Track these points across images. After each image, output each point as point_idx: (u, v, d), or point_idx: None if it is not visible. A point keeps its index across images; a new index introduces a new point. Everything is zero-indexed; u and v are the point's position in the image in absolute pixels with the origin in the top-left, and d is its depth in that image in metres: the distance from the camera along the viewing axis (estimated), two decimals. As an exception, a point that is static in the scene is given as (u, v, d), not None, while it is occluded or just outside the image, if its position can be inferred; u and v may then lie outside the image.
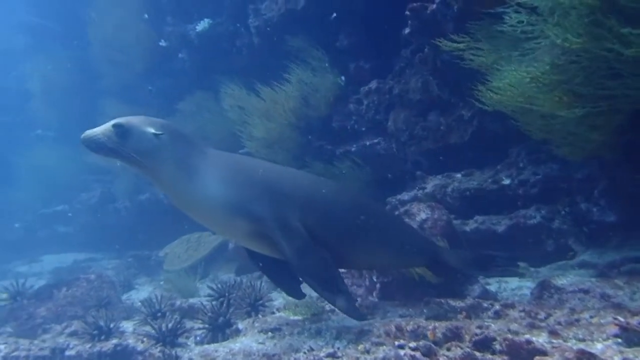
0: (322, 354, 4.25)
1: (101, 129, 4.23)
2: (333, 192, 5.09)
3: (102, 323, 5.89)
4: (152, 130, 4.27)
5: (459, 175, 6.98)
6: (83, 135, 4.21)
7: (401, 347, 3.63)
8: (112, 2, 11.58)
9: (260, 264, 5.05)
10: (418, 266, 5.41)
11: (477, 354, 3.34)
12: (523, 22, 4.32)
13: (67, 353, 5.68)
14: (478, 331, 3.52)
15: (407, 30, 6.92)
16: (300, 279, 4.84)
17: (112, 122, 4.26)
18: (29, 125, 15.83)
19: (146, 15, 11.16)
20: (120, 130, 4.19)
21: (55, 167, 14.38)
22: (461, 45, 5.30)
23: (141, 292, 9.02)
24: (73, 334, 6.30)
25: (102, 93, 12.50)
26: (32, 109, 14.80)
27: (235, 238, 4.77)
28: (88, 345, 5.66)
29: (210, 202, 4.40)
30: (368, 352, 4.20)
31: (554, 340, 3.40)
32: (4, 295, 7.48)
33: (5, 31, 16.89)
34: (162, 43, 11.17)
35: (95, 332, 5.82)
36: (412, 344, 3.59)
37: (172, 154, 4.33)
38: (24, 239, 14.72)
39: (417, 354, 3.45)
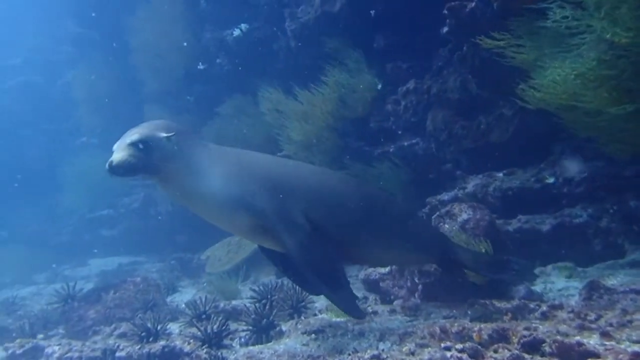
0: (366, 356, 4.25)
1: (125, 152, 4.21)
2: (339, 183, 5.01)
3: (150, 325, 6.01)
4: (164, 134, 4.31)
5: (500, 175, 6.89)
6: (110, 164, 4.14)
7: (447, 348, 3.60)
8: (152, 10, 11.84)
9: (276, 261, 5.02)
10: (429, 262, 5.33)
11: (526, 356, 3.29)
12: (568, 17, 4.24)
13: (118, 354, 5.82)
14: (526, 333, 3.46)
15: (445, 29, 6.85)
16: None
17: (128, 140, 4.25)
18: (75, 132, 16.33)
19: (185, 23, 11.37)
20: (144, 146, 4.22)
21: (100, 173, 14.73)
22: (501, 43, 5.22)
23: (185, 295, 9.18)
24: (122, 336, 6.46)
25: (144, 100, 12.80)
26: (77, 116, 15.26)
27: (241, 233, 4.82)
28: (137, 347, 5.79)
29: (213, 197, 4.40)
30: (413, 353, 4.18)
31: (607, 342, 3.32)
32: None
33: (52, 42, 17.47)
34: (200, 66, 11.39)
35: (144, 333, 5.95)
36: (459, 346, 3.56)
37: (181, 152, 4.37)
38: (71, 243, 15.17)
39: (464, 356, 3.42)
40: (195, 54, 11.44)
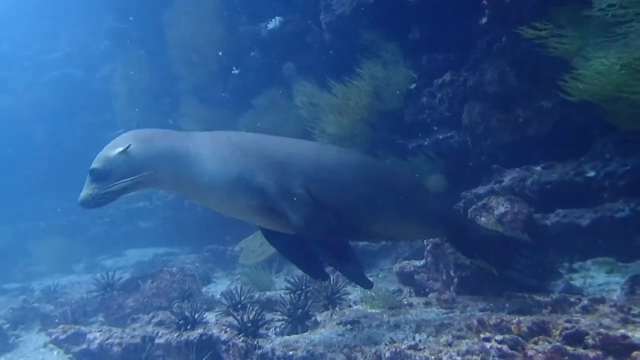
0: (403, 346, 4.26)
1: (86, 188, 4.15)
2: (339, 156, 4.89)
3: (187, 314, 6.13)
4: (119, 150, 4.18)
5: (538, 168, 6.78)
6: (80, 203, 4.13)
7: (487, 340, 3.57)
8: (188, 4, 11.99)
9: (279, 245, 4.95)
10: (438, 236, 5.27)
11: (569, 348, 3.25)
12: (615, 5, 4.14)
13: (157, 341, 5.95)
14: (568, 325, 3.42)
15: (484, 20, 6.77)
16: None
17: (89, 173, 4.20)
18: (113, 125, 16.67)
19: (220, 16, 11.48)
20: (96, 174, 4.13)
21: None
22: (543, 33, 5.14)
23: (219, 286, 9.32)
24: (160, 324, 6.61)
25: (180, 93, 12.99)
26: (114, 110, 15.56)
27: (249, 217, 4.63)
28: (176, 335, 5.91)
29: (211, 183, 4.31)
30: (450, 345, 4.18)
31: (652, 336, 3.26)
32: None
33: (91, 37, 17.87)
34: (235, 71, 11.50)
35: (182, 322, 6.06)
36: (499, 337, 3.53)
37: (158, 154, 4.27)
38: (109, 234, 15.53)
39: (505, 347, 3.40)
40: (230, 48, 11.54)
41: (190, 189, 4.49)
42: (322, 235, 4.34)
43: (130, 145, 4.19)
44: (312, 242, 4.44)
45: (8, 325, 8.17)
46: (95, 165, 4.17)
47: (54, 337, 6.73)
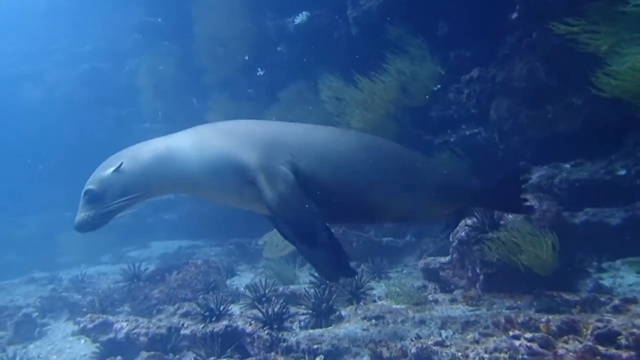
0: (430, 342, 4.26)
1: (81, 212, 4.15)
2: (331, 133, 4.73)
3: (212, 305, 6.18)
4: (111, 170, 4.17)
5: (567, 166, 6.70)
6: (75, 227, 4.16)
7: (516, 337, 3.55)
8: (215, -2, 12.07)
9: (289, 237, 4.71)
10: (458, 208, 4.93)
11: (600, 347, 3.20)
12: (652, 1, 4.06)
13: (183, 332, 6.01)
14: (600, 324, 3.37)
15: (514, 15, 6.69)
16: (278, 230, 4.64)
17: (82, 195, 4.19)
18: (139, 118, 16.87)
19: (247, 10, 11.52)
20: (91, 195, 4.13)
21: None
22: (575, 29, 5.06)
23: (243, 278, 9.39)
24: (185, 315, 6.66)
25: (206, 87, 13.06)
26: (141, 102, 15.74)
27: (242, 202, 4.52)
28: (201, 326, 5.95)
29: (198, 171, 4.25)
30: (477, 342, 4.16)
31: (686, 337, 3.20)
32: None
33: (120, 30, 18.08)
34: (260, 72, 11.53)
35: (207, 313, 6.11)
36: (528, 335, 3.50)
37: (146, 165, 4.25)
38: (134, 226, 15.72)
39: (534, 345, 3.37)
40: (256, 42, 11.58)
41: (183, 184, 4.47)
42: (296, 214, 4.18)
43: (122, 164, 4.19)
44: (282, 221, 4.35)
45: (37, 314, 8.34)
46: (89, 186, 4.17)
47: (81, 325, 6.85)
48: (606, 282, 5.36)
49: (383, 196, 4.47)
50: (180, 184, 4.49)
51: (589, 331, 3.43)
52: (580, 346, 3.27)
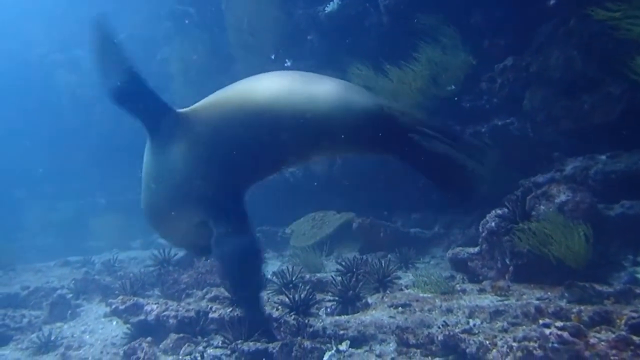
0: (457, 330, 4.23)
1: None
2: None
3: (240, 290, 6.23)
4: None
5: (603, 157, 6.53)
6: None
7: (546, 325, 3.48)
8: (246, -14, 12.07)
9: None
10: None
11: (635, 337, 3.13)
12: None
13: (211, 315, 6.08)
14: (635, 314, 3.30)
15: (552, 2, 6.52)
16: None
17: None
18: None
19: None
20: None
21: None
22: (617, 14, 4.91)
23: (270, 266, 9.43)
24: (214, 299, 6.76)
25: (235, 76, 13.09)
26: (171, 91, 15.89)
27: None
28: (229, 310, 6.03)
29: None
30: (506, 330, 4.13)
31: None
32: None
33: (153, 18, 18.24)
34: (287, 63, 11.50)
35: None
36: (559, 324, 3.44)
37: None
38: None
39: (565, 334, 3.30)
40: (287, 31, 11.57)
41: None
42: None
43: None
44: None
45: (71, 295, 8.54)
46: None
47: (113, 307, 6.99)
48: (642, 276, 5.23)
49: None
50: None
51: (623, 321, 3.35)
52: (613, 336, 3.19)
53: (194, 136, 4.59)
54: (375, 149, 4.79)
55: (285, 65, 11.69)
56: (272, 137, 4.34)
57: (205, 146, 4.56)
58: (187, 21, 15.12)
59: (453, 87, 8.16)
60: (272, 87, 4.51)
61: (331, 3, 10.33)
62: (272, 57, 11.75)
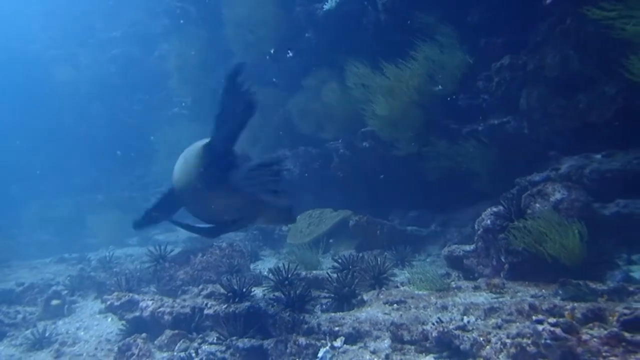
0: (451, 326, 4.24)
1: None
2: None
3: (236, 287, 6.24)
4: None
5: (598, 156, 6.54)
6: None
7: (539, 322, 3.50)
8: (245, -18, 12.04)
9: None
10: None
11: (626, 334, 3.14)
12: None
13: (206, 312, 6.08)
14: (627, 311, 3.31)
15: (548, 1, 6.52)
16: None
17: None
18: (168, 103, 17.02)
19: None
20: None
21: (188, 144, 15.33)
22: (612, 14, 4.92)
23: (267, 263, 9.45)
24: (209, 296, 6.76)
25: (232, 73, 13.06)
26: (170, 87, 15.87)
27: None
28: (224, 306, 6.03)
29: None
30: (500, 327, 4.13)
31: None
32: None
33: (150, 15, 18.22)
34: (289, 54, 11.49)
35: (230, 294, 6.18)
36: (552, 320, 3.45)
37: None
38: (161, 210, 15.93)
39: (557, 330, 3.32)
40: (285, 28, 11.56)
41: None
42: None
43: None
44: None
45: (66, 292, 8.53)
46: None
47: (108, 303, 6.97)
48: (636, 274, 5.23)
49: None
50: None
51: (615, 318, 3.37)
52: (605, 332, 3.21)
53: None
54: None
55: (288, 55, 11.68)
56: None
57: None
58: (181, 21, 15.08)
59: (446, 87, 8.16)
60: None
61: (329, 0, 10.32)
62: (271, 52, 11.75)
